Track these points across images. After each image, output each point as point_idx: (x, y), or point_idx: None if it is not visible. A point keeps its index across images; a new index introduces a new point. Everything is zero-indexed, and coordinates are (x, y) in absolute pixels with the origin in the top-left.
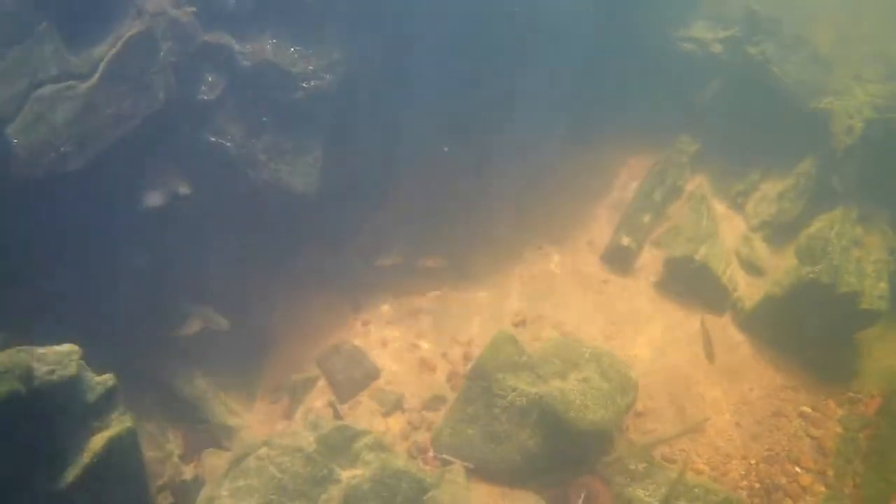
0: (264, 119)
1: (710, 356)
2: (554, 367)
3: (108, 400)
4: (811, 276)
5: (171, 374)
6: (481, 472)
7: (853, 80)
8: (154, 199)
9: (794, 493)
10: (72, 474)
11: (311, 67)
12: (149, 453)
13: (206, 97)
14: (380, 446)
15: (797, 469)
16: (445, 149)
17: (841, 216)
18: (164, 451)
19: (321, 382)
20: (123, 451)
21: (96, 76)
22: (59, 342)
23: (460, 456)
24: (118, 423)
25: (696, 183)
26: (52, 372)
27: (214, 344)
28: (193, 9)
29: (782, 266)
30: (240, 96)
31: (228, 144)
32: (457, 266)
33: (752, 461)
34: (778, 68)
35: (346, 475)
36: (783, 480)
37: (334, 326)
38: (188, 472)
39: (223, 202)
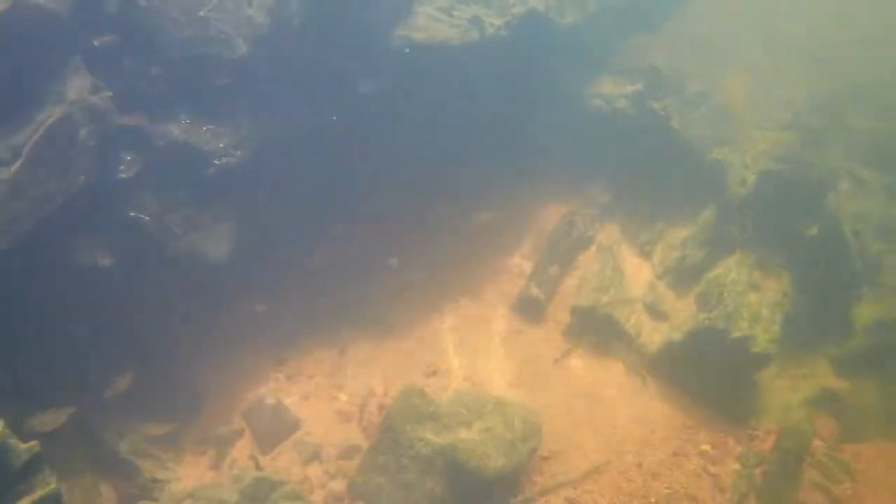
0: (180, 194)
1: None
2: (460, 418)
3: (33, 465)
4: (706, 322)
5: (101, 430)
6: None
7: (756, 129)
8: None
9: None
10: None
11: (221, 145)
12: None
13: (124, 175)
14: (296, 496)
15: None
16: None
17: (738, 262)
18: None
19: (246, 434)
20: None
21: (19, 161)
22: None
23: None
24: (42, 487)
25: (607, 233)
26: None
27: (144, 399)
28: (110, 93)
29: (685, 311)
30: (156, 174)
31: (147, 219)
32: (376, 321)
33: (653, 500)
34: (678, 122)
35: None
36: None
37: (259, 380)
38: None
39: (147, 271)
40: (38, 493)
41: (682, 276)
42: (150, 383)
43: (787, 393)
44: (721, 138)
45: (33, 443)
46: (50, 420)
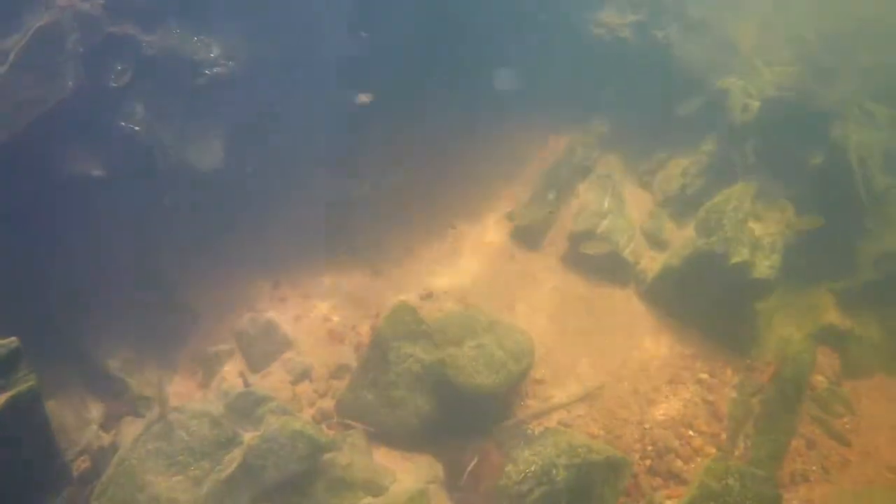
0: (170, 104)
1: None
2: (451, 336)
3: (12, 361)
4: (705, 247)
5: (94, 348)
6: (382, 436)
7: (763, 63)
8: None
9: (685, 455)
10: None
11: (212, 55)
12: (70, 422)
13: (115, 84)
14: (283, 411)
15: (690, 432)
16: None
17: (740, 191)
18: (84, 420)
19: (237, 354)
20: (26, 408)
21: (6, 66)
22: None
23: (362, 421)
24: (21, 383)
25: (608, 163)
26: None
27: (138, 319)
28: (102, 1)
29: (684, 239)
30: (147, 84)
31: (137, 129)
32: (374, 245)
33: (647, 426)
34: (680, 50)
35: (249, 437)
36: (676, 443)
37: (254, 302)
38: (106, 439)
39: (138, 182)
40: (18, 388)
41: (683, 205)
42: (141, 300)
43: (788, 326)
44: (725, 69)
45: (12, 339)
46: None
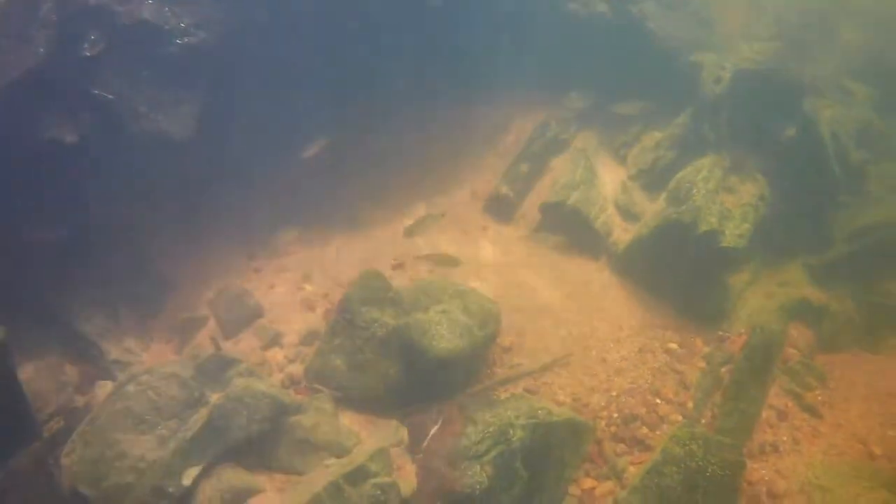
0: (143, 73)
1: None
2: (419, 303)
3: None
4: (674, 216)
5: (71, 313)
6: (349, 401)
7: (741, 40)
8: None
9: (651, 422)
10: None
11: (182, 24)
12: (46, 385)
13: (88, 53)
14: (250, 374)
15: (657, 400)
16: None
17: (711, 163)
18: (60, 383)
19: (211, 322)
20: None
21: None
22: None
23: (329, 385)
24: None
25: (583, 138)
26: None
27: (116, 287)
28: None
29: (655, 210)
30: (120, 53)
31: (111, 97)
32: (348, 218)
33: (614, 393)
34: (655, 25)
35: (216, 397)
36: (642, 410)
37: (229, 272)
38: (81, 401)
39: (111, 149)
40: None
41: (654, 178)
42: (117, 268)
43: (761, 300)
44: (701, 44)
45: None
46: None
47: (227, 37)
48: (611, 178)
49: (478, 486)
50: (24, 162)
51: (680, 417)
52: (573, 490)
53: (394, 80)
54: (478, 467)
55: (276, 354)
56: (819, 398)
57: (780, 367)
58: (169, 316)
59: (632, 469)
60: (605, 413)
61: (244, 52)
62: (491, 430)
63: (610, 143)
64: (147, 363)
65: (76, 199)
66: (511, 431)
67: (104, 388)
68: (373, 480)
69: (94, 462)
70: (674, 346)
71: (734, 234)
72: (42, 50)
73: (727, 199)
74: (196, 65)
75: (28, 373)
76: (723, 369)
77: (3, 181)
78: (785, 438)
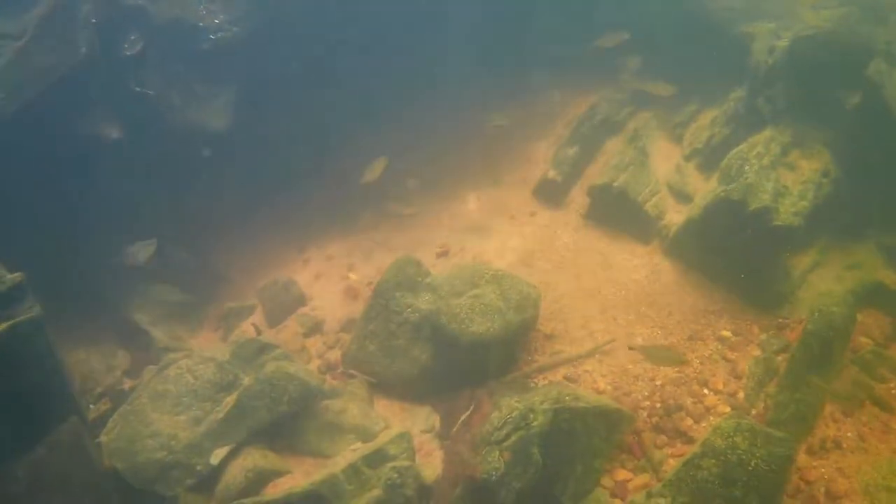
0: (180, 69)
1: None
2: (455, 289)
3: (17, 294)
4: (723, 194)
5: (124, 302)
6: (383, 386)
7: (809, 8)
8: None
9: (696, 413)
10: None
11: (216, 21)
12: (97, 368)
13: (128, 52)
14: (285, 358)
15: (705, 391)
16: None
17: (767, 138)
18: (110, 367)
19: (258, 311)
20: (27, 336)
21: (26, 37)
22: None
23: (364, 371)
24: (25, 313)
25: (639, 119)
26: None
27: (170, 278)
28: None
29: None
30: (158, 50)
31: (151, 93)
32: (398, 206)
33: (659, 382)
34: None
35: (248, 380)
36: (688, 401)
37: (280, 264)
38: (128, 385)
39: (151, 143)
40: (19, 318)
41: (709, 157)
42: (170, 260)
43: (828, 283)
44: (758, 13)
45: (17, 274)
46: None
47: (259, 31)
48: (665, 160)
49: (494, 473)
50: (70, 158)
51: (728, 409)
52: (605, 481)
53: (432, 72)
54: (497, 453)
55: (316, 341)
56: (893, 391)
57: (848, 357)
58: (219, 305)
59: (671, 462)
60: (647, 403)
61: (277, 45)
62: (513, 415)
63: (667, 123)
64: (195, 349)
65: (122, 191)
66: (532, 416)
67: (151, 372)
68: (391, 464)
69: (129, 439)
70: (727, 333)
71: (789, 211)
72: (84, 50)
73: (786, 176)
74: (230, 59)
75: (80, 356)
76: (779, 357)
77: (52, 178)
78: (850, 434)
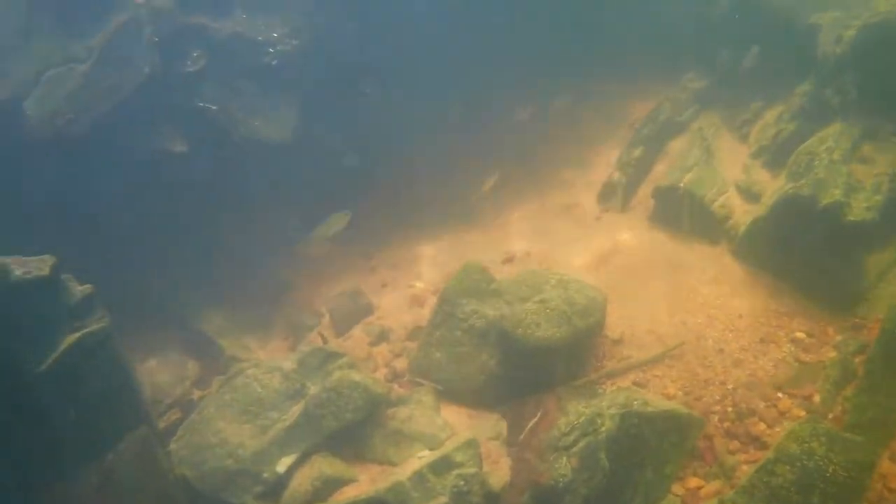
0: (241, 83)
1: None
2: (520, 294)
3: (88, 305)
4: (791, 191)
5: (194, 314)
6: (450, 394)
7: None
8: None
9: (770, 418)
10: (50, 360)
11: (275, 35)
12: (167, 378)
13: (191, 69)
14: (350, 366)
15: (778, 394)
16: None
17: (837, 131)
18: (179, 377)
19: (325, 320)
20: (97, 346)
21: (92, 59)
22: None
23: (430, 379)
24: (95, 324)
25: (704, 118)
26: (28, 272)
27: (239, 289)
28: None
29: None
30: (219, 65)
31: (214, 108)
32: (461, 214)
33: (730, 386)
34: None
35: (314, 389)
36: (761, 405)
37: (348, 273)
38: (197, 395)
39: (216, 157)
40: (91, 328)
41: (777, 154)
42: (240, 272)
43: None
44: (826, 2)
45: (87, 286)
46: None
47: (317, 41)
48: (731, 159)
49: (561, 480)
50: (138, 174)
51: (803, 413)
52: (676, 489)
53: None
54: (564, 459)
55: (383, 350)
56: None
57: None
58: (288, 315)
59: (744, 469)
60: (718, 408)
61: (336, 57)
62: (581, 420)
63: (731, 121)
64: (263, 359)
65: (193, 203)
66: (599, 421)
67: (219, 382)
68: (457, 471)
69: (197, 447)
70: (800, 335)
71: (862, 206)
72: (147, 69)
73: (859, 170)
74: (290, 71)
75: (151, 367)
76: (856, 359)
77: (122, 193)
78: None
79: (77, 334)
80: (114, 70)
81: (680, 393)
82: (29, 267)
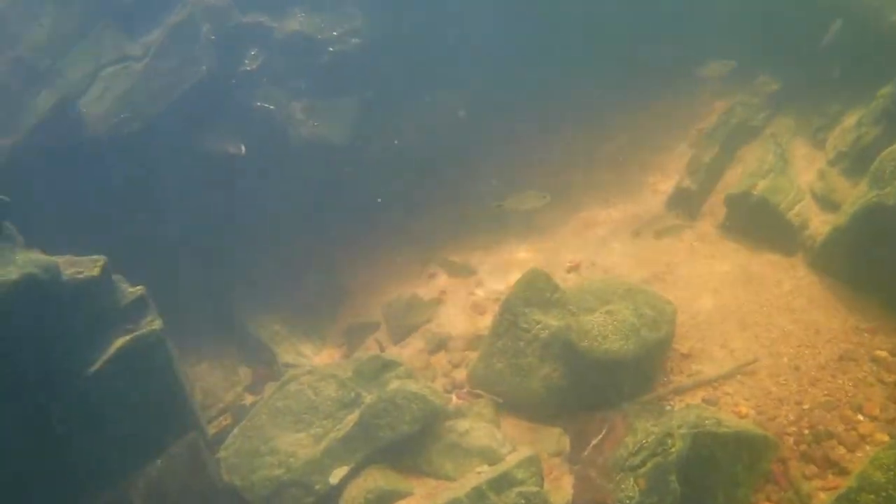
0: (300, 83)
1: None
2: (586, 304)
3: (139, 307)
4: (874, 199)
5: (248, 318)
6: (511, 406)
7: None
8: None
9: (849, 442)
10: (100, 361)
11: (334, 33)
12: (219, 383)
13: (248, 68)
14: (408, 376)
15: (859, 417)
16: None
17: None
18: (231, 382)
19: (382, 327)
20: (148, 349)
21: (148, 57)
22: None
23: (491, 390)
24: (146, 327)
25: (777, 123)
26: (80, 273)
27: (295, 293)
28: None
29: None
30: (277, 64)
31: (272, 108)
32: (525, 221)
33: (807, 406)
34: None
35: (370, 399)
36: (839, 428)
37: (405, 279)
38: (249, 400)
39: (274, 159)
40: (142, 331)
41: (856, 160)
42: (295, 276)
43: None
44: None
45: (138, 287)
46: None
47: (377, 41)
48: (807, 165)
49: (629, 501)
50: (196, 174)
51: (886, 437)
52: None
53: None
54: (631, 480)
55: (441, 359)
56: None
57: None
58: (343, 321)
59: (821, 496)
60: (793, 429)
61: (395, 55)
62: (650, 440)
63: (807, 126)
64: (316, 366)
65: (248, 206)
66: (669, 442)
67: (272, 388)
68: (518, 489)
69: (248, 455)
70: (883, 353)
71: None
72: (204, 68)
73: None
74: (350, 71)
75: (203, 371)
76: None
77: (180, 194)
78: None
79: (127, 337)
80: (170, 69)
81: (752, 412)
82: (80, 267)
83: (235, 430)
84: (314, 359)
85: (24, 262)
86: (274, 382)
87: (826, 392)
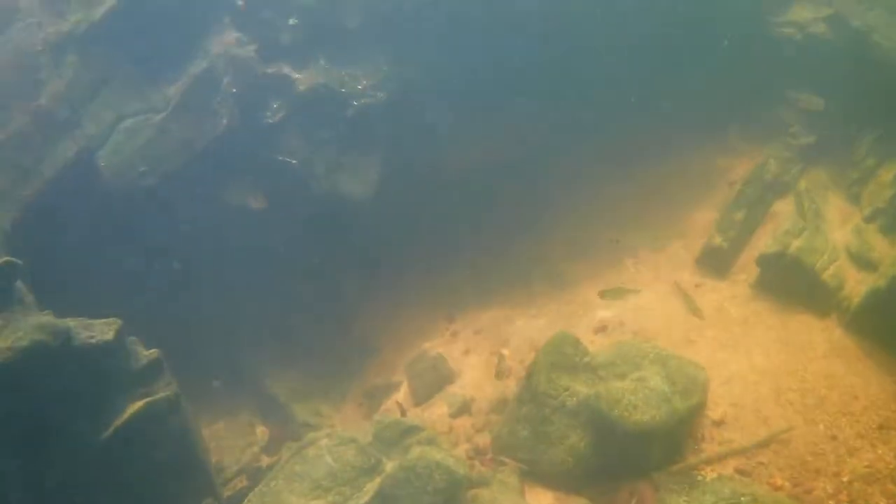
0: (323, 136)
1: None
2: (616, 369)
3: (154, 371)
4: None
5: (264, 375)
6: (536, 475)
7: None
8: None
9: None
10: (113, 427)
11: (359, 87)
12: (235, 443)
13: (270, 121)
14: (431, 442)
15: None
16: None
17: None
18: (248, 442)
19: (404, 387)
20: (162, 415)
21: (168, 110)
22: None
23: (515, 457)
24: (161, 391)
25: (810, 178)
26: (92, 337)
27: (313, 349)
28: (254, 46)
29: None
30: (300, 117)
31: (294, 162)
32: (549, 276)
33: (845, 479)
34: (881, 36)
35: (391, 466)
36: (881, 502)
37: (427, 334)
38: (266, 461)
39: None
40: (156, 396)
41: (894, 217)
42: (315, 333)
43: None
44: None
45: (153, 350)
46: None
47: (403, 94)
48: (842, 222)
49: None
50: (216, 228)
51: None
52: None
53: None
54: None
55: (464, 422)
56: None
57: None
58: (364, 379)
59: None
60: (832, 502)
61: (419, 108)
62: None
63: (841, 181)
64: (336, 427)
65: (265, 262)
66: None
67: (290, 450)
68: None
69: None
70: None
71: None
72: (225, 121)
73: None
74: (374, 124)
75: (219, 430)
76: None
77: (198, 248)
78: None
79: (141, 402)
80: (190, 121)
81: (787, 484)
82: (93, 331)
83: (251, 495)
84: (333, 417)
85: (34, 327)
86: (292, 443)
87: (866, 463)
